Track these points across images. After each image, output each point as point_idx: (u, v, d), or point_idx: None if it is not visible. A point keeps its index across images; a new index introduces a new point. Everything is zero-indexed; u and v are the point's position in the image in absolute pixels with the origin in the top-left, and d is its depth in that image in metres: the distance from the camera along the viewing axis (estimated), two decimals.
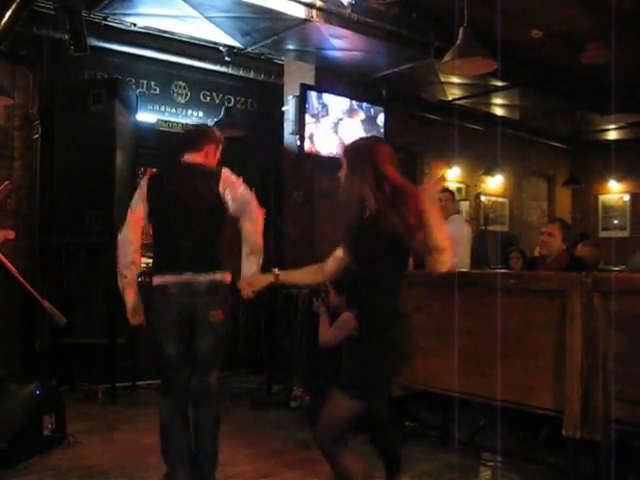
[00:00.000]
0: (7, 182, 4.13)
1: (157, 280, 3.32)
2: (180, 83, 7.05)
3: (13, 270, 2.75)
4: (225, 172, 3.43)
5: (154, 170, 3.56)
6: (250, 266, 3.27)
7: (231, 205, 3.35)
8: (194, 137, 3.61)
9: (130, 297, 3.36)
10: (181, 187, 3.37)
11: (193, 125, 3.84)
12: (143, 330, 3.43)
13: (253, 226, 3.32)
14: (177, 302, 3.26)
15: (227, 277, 3.36)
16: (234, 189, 3.39)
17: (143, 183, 3.45)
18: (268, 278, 2.94)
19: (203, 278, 3.27)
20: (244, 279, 3.16)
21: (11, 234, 4.14)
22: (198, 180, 3.40)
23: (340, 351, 4.91)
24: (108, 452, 4.18)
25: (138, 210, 3.38)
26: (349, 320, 4.87)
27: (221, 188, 3.36)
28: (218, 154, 3.66)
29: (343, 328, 4.94)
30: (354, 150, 2.78)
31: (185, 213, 3.34)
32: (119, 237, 3.34)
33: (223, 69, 6.97)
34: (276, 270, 2.92)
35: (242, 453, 4.07)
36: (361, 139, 3.02)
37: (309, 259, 6.29)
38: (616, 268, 6.22)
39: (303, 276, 3.00)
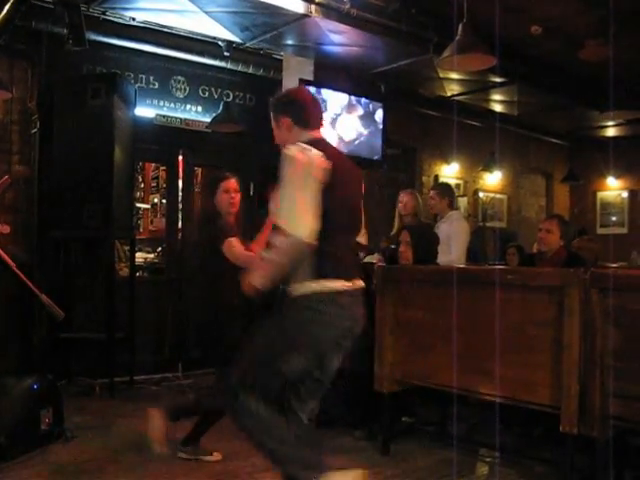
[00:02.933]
0: (6, 177, 4.12)
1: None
2: (179, 78, 7.03)
3: (11, 263, 2.74)
4: None
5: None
6: None
7: None
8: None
9: None
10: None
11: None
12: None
13: None
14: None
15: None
16: None
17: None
18: None
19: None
20: None
21: (6, 228, 4.13)
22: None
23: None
24: (105, 447, 4.19)
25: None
26: None
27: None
28: None
29: None
30: None
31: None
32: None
33: (222, 64, 6.95)
34: None
35: (240, 448, 4.06)
36: None
37: None
38: (614, 265, 6.22)
39: None
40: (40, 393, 4.11)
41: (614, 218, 11.16)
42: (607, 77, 6.19)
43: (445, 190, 5.63)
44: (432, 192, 5.62)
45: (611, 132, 10.25)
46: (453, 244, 5.10)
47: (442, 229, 5.24)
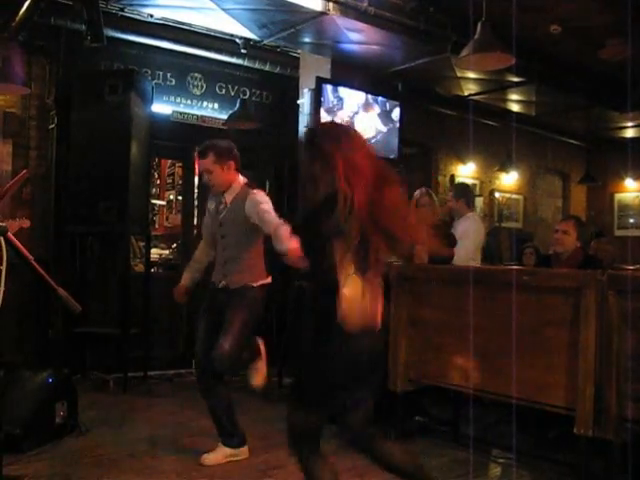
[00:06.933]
0: (25, 171, 4.15)
1: None
2: (196, 75, 7.06)
3: (29, 257, 2.76)
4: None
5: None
6: None
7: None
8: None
9: None
10: None
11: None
12: None
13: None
14: None
15: None
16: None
17: None
18: None
19: None
20: None
21: (26, 223, 4.16)
22: None
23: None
24: (119, 441, 4.21)
25: None
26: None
27: None
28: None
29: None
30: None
31: None
32: None
33: (239, 61, 6.96)
34: None
35: (252, 445, 4.08)
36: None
37: None
38: (631, 267, 6.17)
39: None
40: (55, 386, 4.15)
41: (632, 220, 11.04)
42: (626, 77, 6.13)
43: (460, 191, 5.59)
44: (449, 194, 5.62)
45: (630, 133, 10.15)
46: (461, 242, 5.02)
47: (458, 229, 5.22)
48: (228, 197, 3.86)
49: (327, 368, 2.40)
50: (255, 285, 3.85)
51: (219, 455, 3.84)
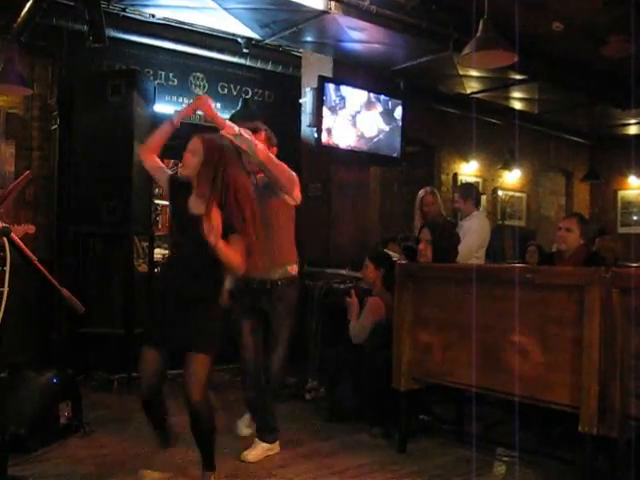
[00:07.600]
0: (27, 172, 4.16)
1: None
2: (198, 74, 7.06)
3: (32, 257, 2.76)
4: None
5: None
6: None
7: None
8: None
9: None
10: None
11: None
12: None
13: None
14: None
15: None
16: None
17: None
18: None
19: None
20: None
21: (31, 228, 4.17)
22: None
23: (354, 343, 4.90)
24: (123, 441, 4.21)
25: None
26: (377, 304, 4.82)
27: None
28: None
29: (371, 313, 4.86)
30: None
31: None
32: None
33: (241, 61, 6.97)
34: None
35: None
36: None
37: (325, 249, 6.30)
38: (635, 264, 6.15)
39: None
40: (59, 387, 4.16)
41: (635, 217, 11.03)
42: (629, 74, 6.12)
43: (467, 191, 5.59)
44: (456, 195, 5.63)
45: (633, 130, 10.13)
46: (464, 239, 5.00)
47: (464, 227, 5.23)
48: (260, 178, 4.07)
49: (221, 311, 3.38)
50: (293, 273, 4.04)
51: (259, 451, 3.93)
